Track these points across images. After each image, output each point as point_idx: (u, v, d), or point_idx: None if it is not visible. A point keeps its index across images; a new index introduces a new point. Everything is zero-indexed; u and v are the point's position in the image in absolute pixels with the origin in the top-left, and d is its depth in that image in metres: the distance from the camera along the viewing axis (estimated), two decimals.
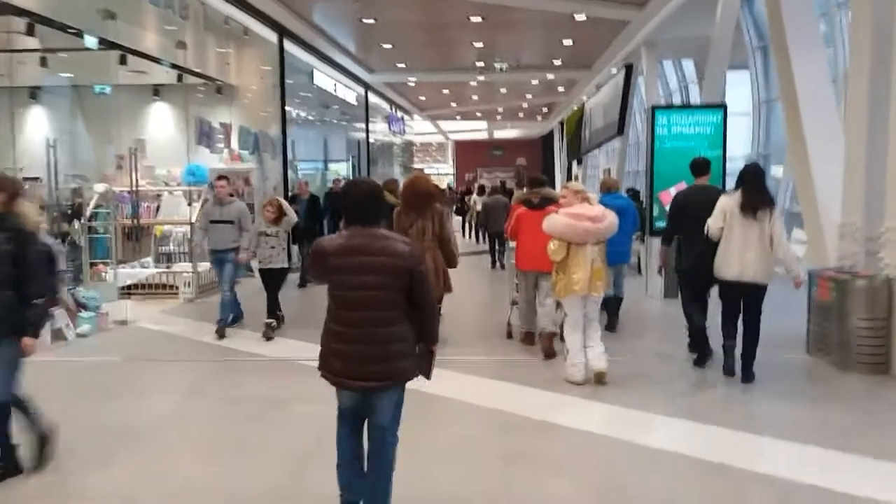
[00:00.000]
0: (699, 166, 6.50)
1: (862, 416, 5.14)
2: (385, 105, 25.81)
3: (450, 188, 29.17)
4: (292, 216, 7.85)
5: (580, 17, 13.31)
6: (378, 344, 3.13)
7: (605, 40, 16.33)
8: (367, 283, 3.10)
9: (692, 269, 6.07)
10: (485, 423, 4.98)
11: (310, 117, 18.69)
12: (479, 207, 16.95)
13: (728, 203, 5.57)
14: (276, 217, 7.69)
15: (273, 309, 7.73)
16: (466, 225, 21.54)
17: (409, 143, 34.35)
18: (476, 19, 13.80)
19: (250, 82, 14.16)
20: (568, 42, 16.18)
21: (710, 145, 10.34)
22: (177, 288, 10.37)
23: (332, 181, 12.48)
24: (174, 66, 11.43)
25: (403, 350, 3.19)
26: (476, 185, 22.14)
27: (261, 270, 7.89)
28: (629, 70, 17.83)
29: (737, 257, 5.48)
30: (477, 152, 42.39)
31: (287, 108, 15.12)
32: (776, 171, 15.24)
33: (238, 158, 14.23)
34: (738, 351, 5.76)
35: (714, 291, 6.05)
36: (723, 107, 10.53)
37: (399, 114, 27.68)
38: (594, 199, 5.94)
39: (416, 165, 44.59)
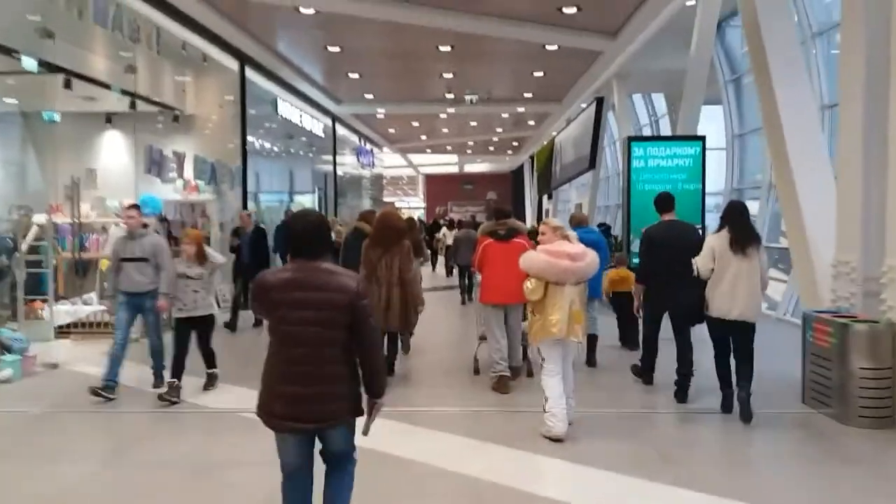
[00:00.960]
0: (665, 201, 6.42)
1: (874, 481, 4.55)
2: (354, 137, 25.29)
3: (421, 221, 28.57)
4: (217, 258, 6.65)
5: (552, 48, 12.96)
6: (322, 383, 2.98)
7: (577, 72, 16.05)
8: (308, 319, 2.96)
9: (658, 307, 6.24)
10: (455, 494, 4.30)
11: (274, 148, 18.06)
12: (449, 241, 16.60)
13: (716, 242, 5.54)
14: (198, 253, 6.40)
15: (211, 361, 6.70)
16: (435, 259, 21.01)
17: (379, 175, 33.83)
18: (445, 48, 13.38)
19: (209, 111, 13.52)
20: (539, 74, 15.86)
21: (688, 178, 9.97)
22: None
23: (285, 212, 11.72)
24: (125, 93, 10.75)
25: (347, 391, 3.04)
26: (446, 219, 21.64)
27: (179, 320, 6.44)
28: (600, 103, 17.55)
29: (728, 295, 5.45)
30: (447, 186, 42.12)
31: (249, 138, 14.51)
32: (751, 207, 15.02)
33: (195, 189, 13.56)
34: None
35: (698, 330, 5.92)
36: (701, 139, 10.19)
37: (368, 146, 27.19)
38: (574, 237, 5.47)
39: (386, 199, 44.24)
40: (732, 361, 5.64)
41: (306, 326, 2.95)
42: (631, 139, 10.26)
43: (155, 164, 10.88)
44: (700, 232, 8.97)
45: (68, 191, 13.42)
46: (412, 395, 6.61)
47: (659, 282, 6.12)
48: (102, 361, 7.27)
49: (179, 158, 11.57)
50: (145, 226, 7.07)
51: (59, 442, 5.39)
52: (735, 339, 5.59)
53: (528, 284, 5.18)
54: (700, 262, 5.59)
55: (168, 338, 6.81)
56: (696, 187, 9.92)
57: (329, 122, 20.93)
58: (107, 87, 10.54)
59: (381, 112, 20.93)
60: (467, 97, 17.43)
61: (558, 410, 5.08)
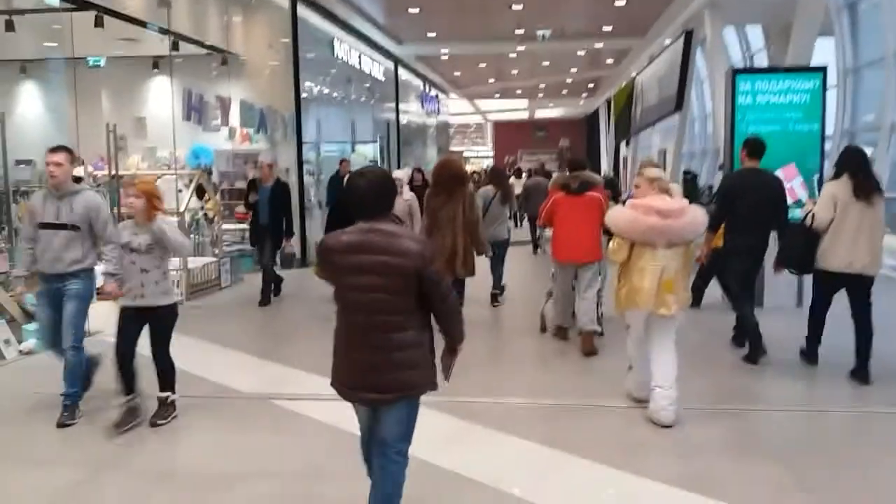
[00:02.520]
0: (757, 147, 6.05)
1: None
2: (418, 82, 23.96)
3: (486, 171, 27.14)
4: (168, 232, 4.49)
5: None
6: (385, 351, 2.85)
7: (664, 1, 14.22)
8: (370, 285, 2.82)
9: (745, 259, 5.85)
10: None
11: (333, 94, 17.01)
12: (518, 191, 15.49)
13: (836, 190, 5.25)
14: (148, 211, 4.47)
15: (166, 379, 4.73)
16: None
17: (446, 123, 32.46)
18: None
19: (259, 53, 12.50)
20: (620, 2, 14.09)
21: (804, 117, 8.34)
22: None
23: (340, 162, 10.56)
24: (163, 31, 9.82)
25: (414, 359, 2.90)
26: (514, 169, 20.28)
27: (123, 311, 4.60)
28: (689, 37, 15.81)
29: (848, 246, 5.16)
30: (517, 134, 40.39)
31: (306, 83, 13.48)
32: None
33: (247, 138, 12.70)
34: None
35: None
36: (822, 70, 8.49)
37: (433, 92, 25.80)
38: (676, 191, 4.73)
39: (454, 148, 42.87)
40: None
41: (370, 292, 2.82)
42: (736, 71, 8.63)
43: (195, 111, 9.99)
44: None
45: (119, 141, 12.86)
46: (476, 379, 5.53)
47: (741, 229, 5.75)
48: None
49: (224, 104, 10.64)
50: (78, 179, 5.39)
51: (61, 437, 4.57)
52: (853, 293, 5.29)
53: (612, 244, 4.62)
54: (820, 212, 5.25)
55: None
56: (813, 128, 8.29)
57: (391, 65, 19.63)
58: (142, 24, 9.62)
59: (445, 52, 19.43)
60: (539, 33, 15.86)
61: (642, 378, 4.64)
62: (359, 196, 2.88)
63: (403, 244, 2.83)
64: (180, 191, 9.81)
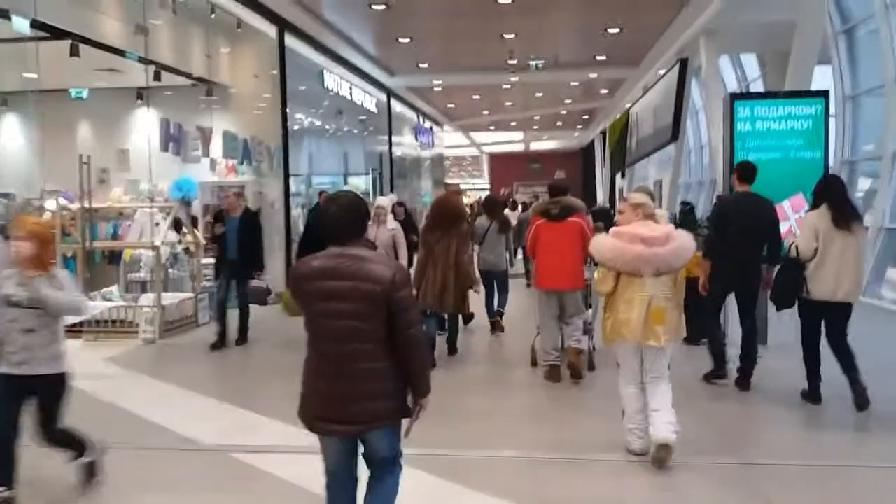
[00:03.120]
0: (749, 172, 6.01)
1: None
2: (412, 114, 23.79)
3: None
4: (44, 291, 3.63)
5: None
6: (358, 381, 2.74)
7: (658, 28, 14.02)
8: (341, 312, 2.73)
9: (725, 282, 5.83)
10: None
11: (323, 125, 16.75)
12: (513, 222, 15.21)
13: (817, 220, 5.27)
14: (38, 258, 3.68)
15: (71, 445, 3.93)
16: None
17: (441, 156, 32.28)
18: (504, 0, 11.63)
19: (244, 83, 12.23)
20: (614, 30, 13.88)
21: (806, 144, 8.01)
22: (138, 325, 8.45)
23: (319, 193, 10.15)
24: (142, 60, 9.52)
25: (388, 390, 2.78)
26: (509, 201, 19.94)
27: (7, 378, 3.69)
28: (684, 65, 15.55)
29: (832, 275, 5.17)
30: (513, 166, 40.23)
31: (296, 114, 13.21)
32: (864, 184, 12.82)
33: (233, 170, 12.37)
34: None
35: None
36: (823, 94, 8.19)
37: (427, 124, 25.63)
38: (662, 216, 4.72)
39: (450, 180, 42.66)
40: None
41: (340, 319, 2.74)
42: (734, 97, 8.34)
43: (173, 140, 9.61)
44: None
45: (100, 174, 12.54)
46: (458, 403, 5.62)
47: (726, 260, 5.70)
48: (100, 371, 6.14)
49: (204, 134, 10.28)
50: None
51: None
52: (832, 321, 5.29)
53: (596, 274, 4.46)
54: (802, 243, 5.25)
55: None
56: (815, 155, 7.97)
57: (383, 97, 19.43)
58: (120, 53, 9.31)
59: (437, 83, 19.22)
60: (532, 63, 15.64)
61: (636, 426, 4.36)
62: (331, 221, 2.82)
63: (373, 269, 2.75)
64: (157, 224, 9.41)
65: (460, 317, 7.64)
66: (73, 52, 8.75)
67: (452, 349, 7.24)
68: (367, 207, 3.00)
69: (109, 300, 9.13)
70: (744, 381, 5.82)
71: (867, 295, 10.40)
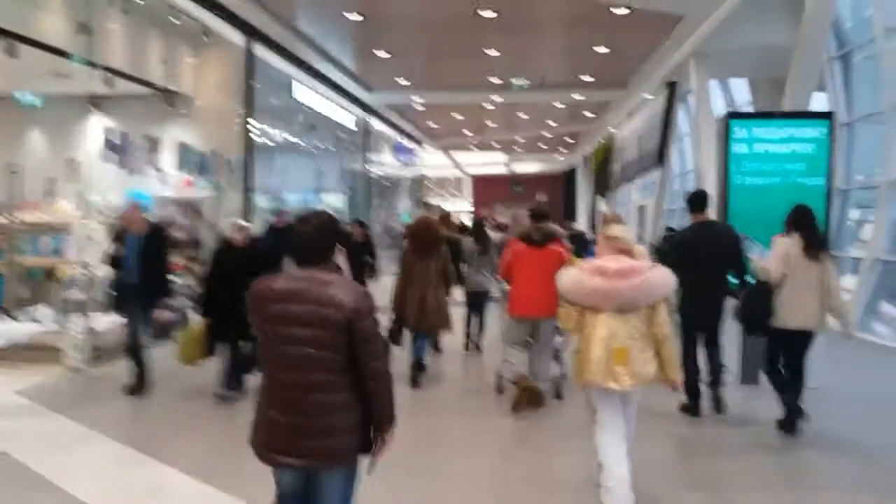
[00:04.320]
0: (699, 200, 6.07)
1: None
2: (391, 132, 23.09)
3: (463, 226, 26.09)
4: None
5: (620, 11, 10.43)
6: (314, 415, 2.58)
7: (647, 49, 13.45)
8: (299, 338, 2.58)
9: (697, 317, 5.82)
10: None
11: (296, 140, 15.99)
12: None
13: (788, 246, 5.33)
14: None
15: None
16: None
17: (422, 176, 31.59)
18: (488, 14, 10.96)
19: (207, 93, 11.45)
20: (602, 50, 13.29)
21: (808, 170, 7.36)
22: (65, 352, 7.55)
23: (275, 213, 9.30)
24: (89, 64, 8.71)
25: (347, 424, 2.61)
26: (491, 222, 19.22)
27: None
28: (672, 89, 15.06)
29: (800, 304, 5.25)
30: (496, 188, 39.67)
31: (262, 127, 12.44)
32: (855, 214, 12.27)
33: (190, 184, 11.55)
34: None
35: None
36: (828, 116, 7.56)
37: (408, 143, 24.94)
38: (640, 253, 4.40)
39: (432, 200, 41.97)
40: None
41: (297, 346, 2.57)
42: (731, 116, 7.70)
43: (114, 150, 8.76)
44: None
45: (48, 185, 11.67)
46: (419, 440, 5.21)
47: (689, 291, 5.48)
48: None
49: (152, 145, 9.45)
50: None
51: None
52: (794, 349, 5.38)
53: (560, 310, 4.21)
54: (773, 266, 5.29)
55: None
56: (817, 182, 7.32)
57: (361, 113, 18.72)
58: (64, 55, 8.51)
59: (418, 101, 18.53)
60: (515, 82, 15.01)
61: (616, 484, 3.79)
62: (302, 241, 2.68)
63: (336, 293, 2.59)
64: (89, 237, 8.55)
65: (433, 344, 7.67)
66: (12, 52, 7.94)
67: (415, 382, 6.92)
68: (341, 228, 2.87)
69: (38, 322, 8.24)
70: (718, 405, 5.85)
71: (862, 330, 9.80)
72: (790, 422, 5.39)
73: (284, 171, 14.78)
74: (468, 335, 8.60)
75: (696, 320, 5.84)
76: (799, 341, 5.36)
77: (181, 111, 10.97)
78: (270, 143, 15.65)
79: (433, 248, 6.88)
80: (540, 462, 4.99)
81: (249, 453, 2.71)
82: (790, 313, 5.24)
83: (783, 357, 5.44)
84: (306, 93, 14.59)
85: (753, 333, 5.66)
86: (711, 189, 10.97)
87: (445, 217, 11.02)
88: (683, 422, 5.81)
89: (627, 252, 4.04)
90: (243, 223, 6.71)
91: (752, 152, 7.42)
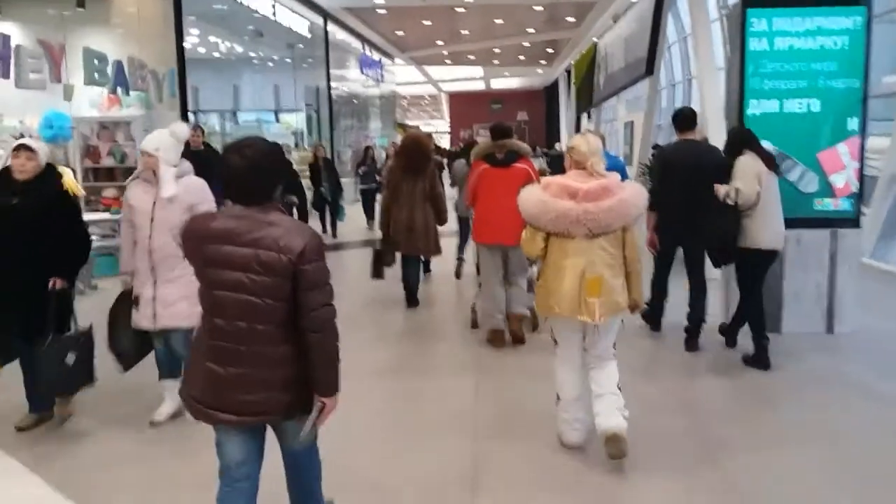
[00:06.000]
0: (686, 119, 5.78)
1: None
2: (356, 44, 21.18)
3: (440, 148, 24.52)
4: None
5: None
6: (255, 366, 2.37)
7: None
8: (236, 283, 2.35)
9: (670, 237, 5.65)
10: None
11: (243, 51, 14.28)
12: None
13: (754, 162, 5.04)
14: None
15: None
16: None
17: (393, 93, 29.72)
18: None
19: None
20: None
21: (839, 70, 6.04)
22: None
23: (194, 128, 7.53)
24: None
25: (281, 378, 2.40)
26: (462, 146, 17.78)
27: None
28: None
29: (775, 221, 5.10)
30: (473, 106, 37.96)
31: (211, 37, 10.81)
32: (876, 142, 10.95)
33: (117, 102, 10.00)
34: None
35: None
36: (865, 4, 6.17)
37: (375, 56, 23.04)
38: (599, 165, 3.67)
39: (409, 122, 40.13)
40: None
41: (235, 292, 2.35)
42: (748, 4, 6.30)
43: None
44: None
45: None
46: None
47: (673, 211, 5.44)
48: None
49: (52, 52, 7.86)
50: None
51: None
52: (761, 270, 5.18)
53: (524, 234, 3.80)
54: (746, 187, 4.94)
55: None
56: (852, 85, 6.02)
57: (318, 19, 16.83)
58: None
59: (380, 2, 16.57)
60: None
61: (570, 416, 3.79)
62: (234, 175, 2.38)
63: (280, 235, 2.34)
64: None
65: (422, 264, 7.59)
66: None
67: (412, 298, 7.07)
68: (283, 158, 2.60)
69: None
70: (692, 342, 5.55)
71: (875, 258, 8.78)
72: (763, 356, 5.10)
73: (229, 87, 13.19)
74: (460, 260, 8.55)
75: (676, 238, 5.63)
76: (767, 262, 5.15)
77: (96, 14, 9.34)
78: (214, 55, 13.96)
79: (422, 165, 6.70)
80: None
81: None
82: (763, 233, 5.01)
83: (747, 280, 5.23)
84: None
85: (726, 263, 5.39)
86: (714, 103, 9.70)
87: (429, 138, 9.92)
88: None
89: (586, 166, 3.63)
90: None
91: (773, 49, 6.06)
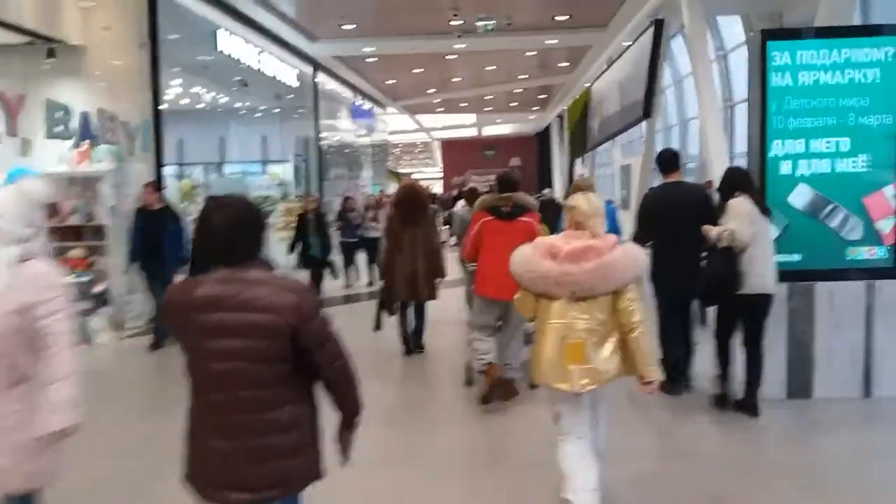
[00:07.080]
0: (669, 161, 5.70)
1: None
2: (347, 93, 20.85)
3: (434, 196, 24.02)
4: None
5: None
6: (253, 436, 2.25)
7: None
8: (228, 351, 2.22)
9: (669, 289, 5.53)
10: None
11: (233, 104, 13.83)
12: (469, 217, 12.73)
13: (748, 205, 4.94)
14: None
15: None
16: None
17: (385, 142, 29.41)
18: None
19: (97, 44, 9.24)
20: None
21: (872, 105, 5.50)
22: None
23: (206, 199, 7.11)
24: None
25: (292, 444, 2.30)
26: (467, 190, 17.21)
27: None
28: (659, 28, 13.13)
29: (764, 266, 4.94)
30: (466, 153, 37.79)
31: (182, 86, 10.33)
32: None
33: (87, 156, 9.41)
34: None
35: None
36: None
37: (366, 104, 22.73)
38: (597, 225, 3.45)
39: (401, 170, 39.92)
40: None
41: (228, 361, 2.23)
42: (767, 34, 5.75)
43: None
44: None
45: None
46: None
47: (661, 254, 5.33)
48: None
49: (7, 103, 7.29)
50: None
51: None
52: (757, 316, 5.01)
53: (517, 294, 3.65)
54: (740, 228, 4.81)
55: None
56: (885, 121, 5.48)
57: (308, 69, 16.44)
58: None
59: (370, 51, 16.24)
60: (480, 24, 12.94)
61: (583, 498, 3.33)
62: (215, 235, 2.27)
63: (270, 295, 2.23)
64: None
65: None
66: None
67: (418, 344, 7.24)
68: (263, 217, 2.41)
69: None
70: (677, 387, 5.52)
71: None
72: (752, 401, 4.99)
73: (212, 139, 12.67)
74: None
75: (668, 284, 5.50)
76: (763, 306, 5.00)
77: (66, 65, 8.81)
78: (198, 106, 13.49)
79: (420, 214, 6.81)
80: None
81: None
82: (755, 277, 4.89)
83: (743, 326, 5.09)
84: (236, 44, 12.35)
85: (712, 304, 5.31)
86: (718, 144, 9.25)
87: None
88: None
89: (581, 224, 3.47)
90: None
91: (797, 84, 5.52)
